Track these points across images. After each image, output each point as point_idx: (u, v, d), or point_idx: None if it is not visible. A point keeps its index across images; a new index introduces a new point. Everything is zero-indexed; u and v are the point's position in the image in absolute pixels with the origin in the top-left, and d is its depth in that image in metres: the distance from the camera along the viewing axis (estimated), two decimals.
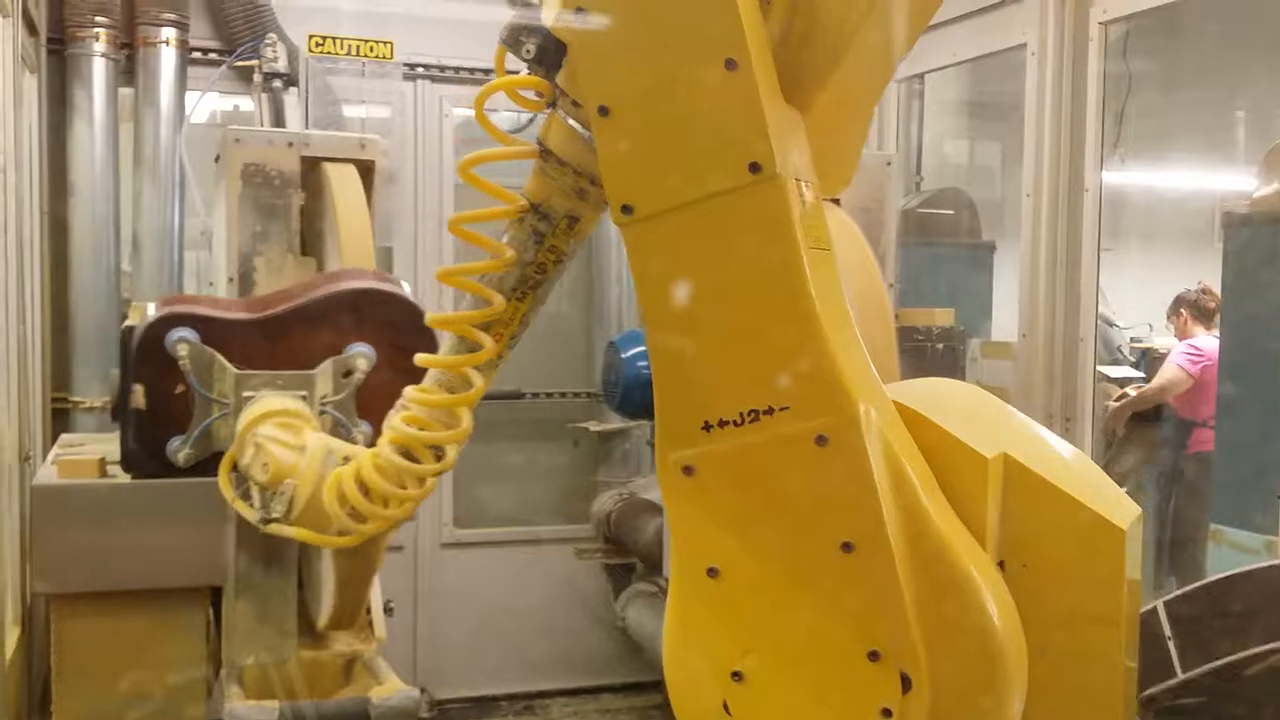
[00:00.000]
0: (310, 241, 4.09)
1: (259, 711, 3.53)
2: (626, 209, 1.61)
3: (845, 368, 1.54)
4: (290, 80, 5.65)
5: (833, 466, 1.54)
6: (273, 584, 3.95)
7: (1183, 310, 7.28)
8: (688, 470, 1.62)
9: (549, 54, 1.69)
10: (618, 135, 1.60)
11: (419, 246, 6.59)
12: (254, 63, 5.70)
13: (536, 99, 1.73)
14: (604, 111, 1.59)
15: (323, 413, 3.02)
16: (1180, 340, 7.31)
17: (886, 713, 1.55)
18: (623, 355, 5.53)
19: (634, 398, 5.52)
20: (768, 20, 1.60)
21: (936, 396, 1.86)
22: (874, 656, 1.55)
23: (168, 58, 5.91)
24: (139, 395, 2.97)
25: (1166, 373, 7.06)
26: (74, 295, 5.81)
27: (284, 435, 2.51)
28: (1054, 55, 4.87)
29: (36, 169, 5.53)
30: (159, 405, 2.97)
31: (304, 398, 3.00)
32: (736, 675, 1.64)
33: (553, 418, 7.07)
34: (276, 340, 3.04)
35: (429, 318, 1.93)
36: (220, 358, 2.96)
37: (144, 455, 3.03)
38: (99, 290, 5.83)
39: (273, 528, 2.30)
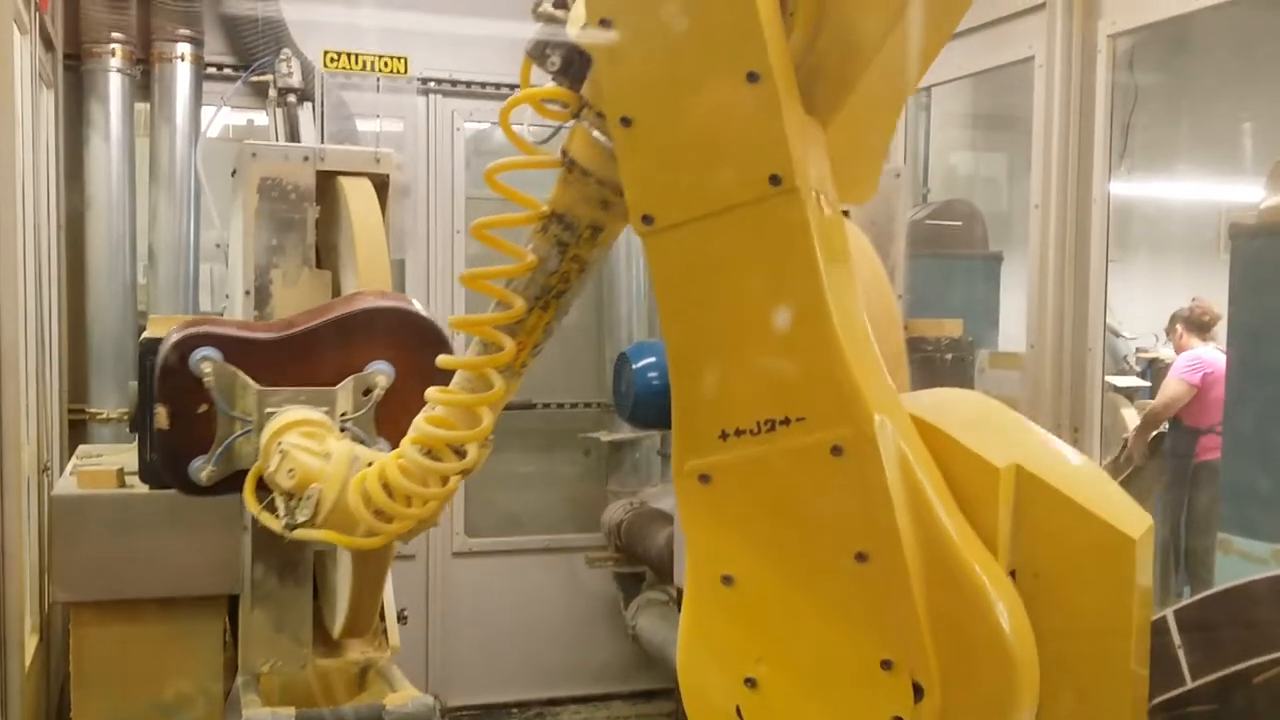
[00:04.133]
0: (324, 254, 4.13)
1: (276, 719, 3.58)
2: (647, 219, 1.63)
3: (861, 379, 1.55)
4: (305, 95, 5.70)
5: (848, 477, 1.54)
6: (289, 593, 3.99)
7: (1178, 326, 7.45)
8: (704, 478, 1.64)
9: (574, 66, 1.71)
10: (640, 146, 1.63)
11: (431, 259, 6.64)
12: (269, 78, 5.76)
13: (561, 110, 1.75)
14: (626, 122, 1.62)
15: (343, 429, 3.04)
16: (1179, 354, 7.41)
17: None
18: (634, 366, 5.57)
19: (645, 408, 5.56)
20: (790, 32, 1.61)
21: (947, 406, 1.87)
22: (886, 665, 1.55)
23: (183, 73, 5.97)
24: (162, 416, 2.97)
25: (1169, 389, 7.21)
26: (91, 308, 5.87)
27: (309, 443, 2.54)
28: (1062, 68, 4.89)
29: (53, 183, 5.58)
30: (182, 425, 2.98)
31: (326, 413, 3.04)
32: (750, 682, 1.65)
33: (564, 428, 7.11)
34: (297, 359, 3.08)
35: (451, 319, 1.95)
36: (243, 375, 2.99)
37: (168, 475, 3.04)
38: (115, 303, 5.89)
39: (299, 533, 2.31)
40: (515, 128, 1.79)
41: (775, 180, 1.55)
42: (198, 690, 3.83)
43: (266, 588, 3.96)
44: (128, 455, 4.11)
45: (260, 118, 6.19)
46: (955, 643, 1.55)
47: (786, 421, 1.58)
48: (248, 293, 3.97)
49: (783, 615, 1.64)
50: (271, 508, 2.50)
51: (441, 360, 1.95)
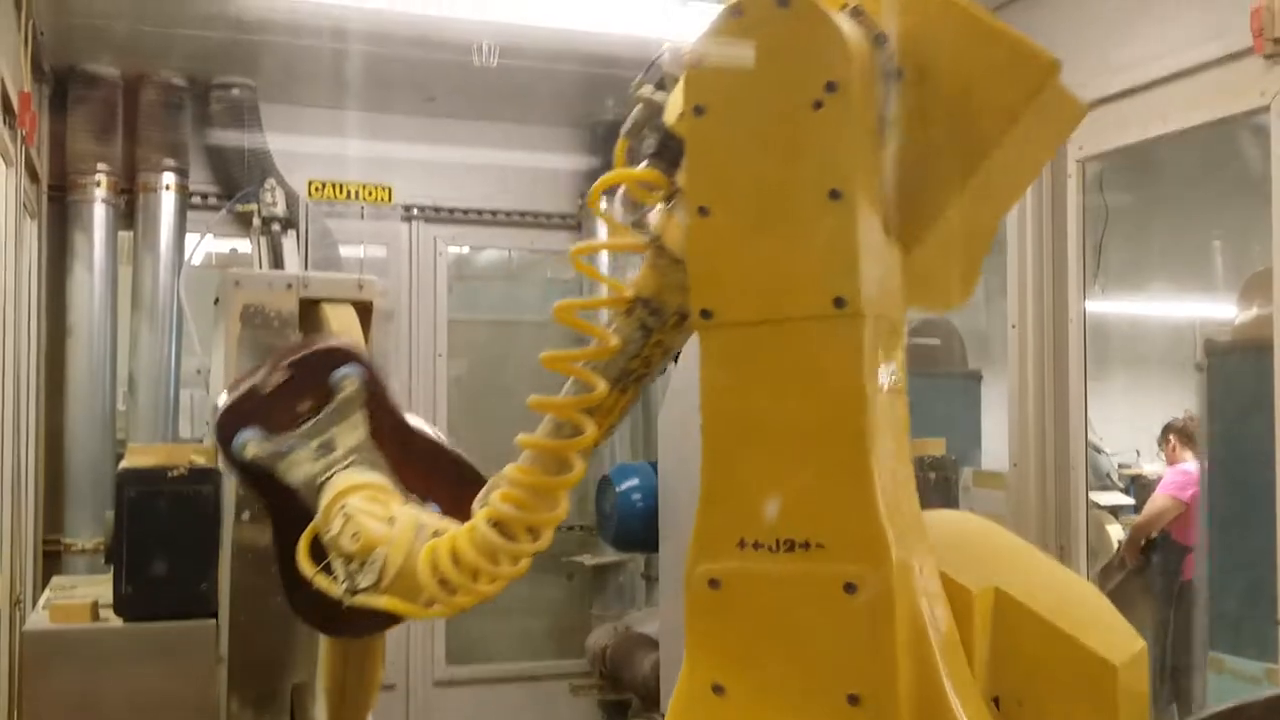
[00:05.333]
0: None
1: None
2: (706, 313, 1.61)
3: (888, 519, 1.51)
4: (289, 223, 5.76)
5: (856, 616, 1.50)
6: None
7: (1171, 437, 7.49)
8: (714, 583, 1.60)
9: (669, 150, 1.69)
10: (711, 238, 1.61)
11: (414, 383, 6.64)
12: (253, 207, 5.82)
13: (653, 193, 1.73)
14: (704, 212, 1.60)
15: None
16: (1170, 466, 7.43)
17: None
18: (617, 488, 5.55)
19: (628, 531, 5.52)
20: (885, 144, 1.57)
21: (934, 529, 1.88)
22: None
23: (167, 202, 6.03)
24: (273, 379, 2.61)
25: (1156, 503, 7.24)
26: (69, 435, 5.83)
27: (373, 507, 2.41)
28: (1033, 192, 4.98)
29: (35, 311, 5.59)
30: (272, 400, 2.62)
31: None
32: None
33: (546, 551, 6.99)
34: (399, 448, 2.93)
35: (531, 400, 1.91)
36: (363, 414, 2.65)
37: (219, 422, 2.59)
38: (94, 430, 5.85)
39: (360, 598, 2.19)
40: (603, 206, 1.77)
41: (840, 303, 1.52)
42: None
43: None
44: (103, 587, 4.05)
45: (244, 245, 6.24)
46: None
47: (806, 545, 1.54)
48: None
49: None
50: (328, 571, 2.40)
51: (521, 439, 1.90)
